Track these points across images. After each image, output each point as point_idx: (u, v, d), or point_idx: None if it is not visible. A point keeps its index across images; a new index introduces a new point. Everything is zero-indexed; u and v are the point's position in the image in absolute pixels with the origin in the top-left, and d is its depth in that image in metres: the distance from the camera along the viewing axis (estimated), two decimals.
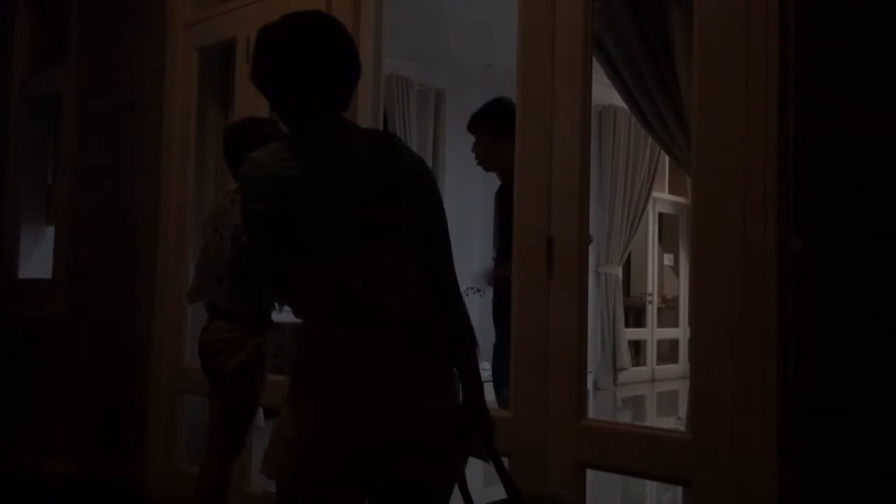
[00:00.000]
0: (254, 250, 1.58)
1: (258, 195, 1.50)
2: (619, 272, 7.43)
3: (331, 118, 1.60)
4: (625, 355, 7.46)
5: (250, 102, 3.00)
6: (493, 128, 2.88)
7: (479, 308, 6.38)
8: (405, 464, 1.53)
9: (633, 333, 8.09)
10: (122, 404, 3.76)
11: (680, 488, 2.37)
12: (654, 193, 7.95)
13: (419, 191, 1.58)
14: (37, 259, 4.70)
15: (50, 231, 4.63)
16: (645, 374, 8.32)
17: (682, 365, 8.36)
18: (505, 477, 1.65)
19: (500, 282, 2.82)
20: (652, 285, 8.66)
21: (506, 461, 2.29)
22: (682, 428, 2.72)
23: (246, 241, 1.74)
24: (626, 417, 6.64)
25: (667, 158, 6.91)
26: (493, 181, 3.05)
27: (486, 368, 6.12)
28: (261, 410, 3.28)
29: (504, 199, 2.82)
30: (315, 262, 1.51)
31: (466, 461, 1.66)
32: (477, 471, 1.72)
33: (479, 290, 6.24)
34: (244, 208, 1.53)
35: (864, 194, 1.77)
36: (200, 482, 2.51)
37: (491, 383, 3.22)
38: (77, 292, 4.13)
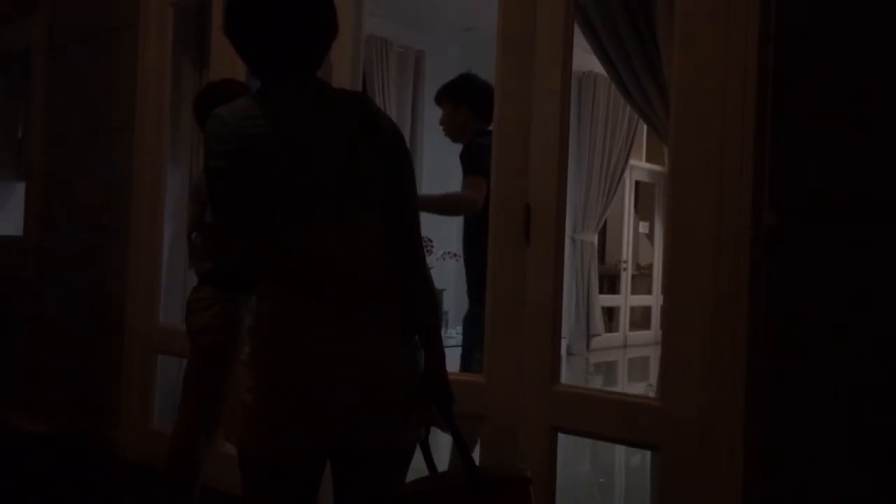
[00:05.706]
0: (213, 208, 1.56)
1: (220, 153, 1.48)
2: (595, 239, 7.47)
3: (302, 77, 1.57)
4: (598, 321, 7.53)
5: (226, 60, 2.95)
6: (453, 99, 2.98)
7: (454, 273, 6.39)
8: (358, 430, 1.53)
9: (606, 300, 8.16)
10: (95, 364, 3.74)
11: (648, 453, 2.42)
12: (632, 161, 7.96)
13: (388, 154, 1.56)
14: (7, 216, 4.62)
15: (20, 188, 4.54)
16: (617, 341, 8.43)
17: (654, 332, 8.47)
18: (462, 449, 1.65)
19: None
20: (627, 253, 8.74)
21: (475, 426, 2.33)
22: (652, 394, 2.77)
23: (205, 199, 1.72)
24: (597, 383, 6.73)
25: (644, 127, 6.92)
26: None
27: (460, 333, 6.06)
28: None
29: None
30: (272, 222, 1.50)
31: (426, 430, 1.65)
32: (446, 438, 1.71)
33: (455, 255, 6.24)
34: (206, 165, 1.51)
35: (840, 171, 1.78)
36: (173, 444, 2.51)
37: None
38: (48, 249, 4.08)
